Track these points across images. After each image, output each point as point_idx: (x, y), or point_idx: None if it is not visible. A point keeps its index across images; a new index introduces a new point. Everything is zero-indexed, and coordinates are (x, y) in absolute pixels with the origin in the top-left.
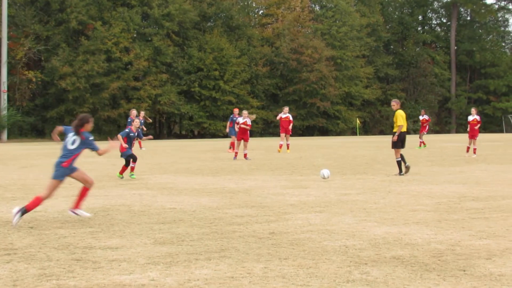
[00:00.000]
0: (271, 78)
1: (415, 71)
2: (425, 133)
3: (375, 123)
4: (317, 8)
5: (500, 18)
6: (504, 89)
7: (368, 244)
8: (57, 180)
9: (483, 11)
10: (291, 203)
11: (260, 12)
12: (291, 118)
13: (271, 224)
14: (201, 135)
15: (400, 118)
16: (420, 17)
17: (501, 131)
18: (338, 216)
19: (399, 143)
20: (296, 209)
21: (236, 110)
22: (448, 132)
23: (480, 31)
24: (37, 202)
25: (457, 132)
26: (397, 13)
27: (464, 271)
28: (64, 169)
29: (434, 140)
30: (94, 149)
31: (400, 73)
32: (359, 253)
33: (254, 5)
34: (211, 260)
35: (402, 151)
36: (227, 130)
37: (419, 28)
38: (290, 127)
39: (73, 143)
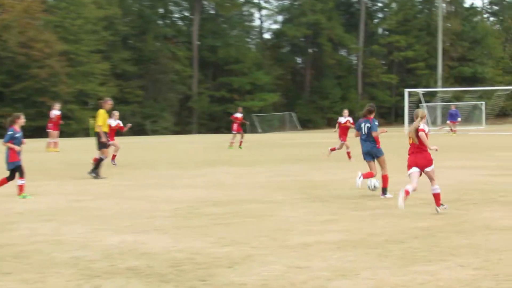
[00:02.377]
0: None
1: (155, 67)
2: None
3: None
4: None
5: (246, 12)
6: (248, 87)
7: (101, 255)
8: None
9: (228, 4)
10: (17, 211)
11: None
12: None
13: None
14: None
15: (101, 118)
16: (161, 10)
17: (244, 131)
18: (68, 225)
19: (103, 144)
20: (23, 218)
21: None
22: (189, 132)
23: (225, 25)
24: None
25: (200, 132)
26: (137, 5)
27: (204, 281)
28: None
29: (175, 141)
30: None
31: (138, 70)
32: (91, 265)
33: None
34: None
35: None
36: None
37: (160, 22)
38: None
39: None
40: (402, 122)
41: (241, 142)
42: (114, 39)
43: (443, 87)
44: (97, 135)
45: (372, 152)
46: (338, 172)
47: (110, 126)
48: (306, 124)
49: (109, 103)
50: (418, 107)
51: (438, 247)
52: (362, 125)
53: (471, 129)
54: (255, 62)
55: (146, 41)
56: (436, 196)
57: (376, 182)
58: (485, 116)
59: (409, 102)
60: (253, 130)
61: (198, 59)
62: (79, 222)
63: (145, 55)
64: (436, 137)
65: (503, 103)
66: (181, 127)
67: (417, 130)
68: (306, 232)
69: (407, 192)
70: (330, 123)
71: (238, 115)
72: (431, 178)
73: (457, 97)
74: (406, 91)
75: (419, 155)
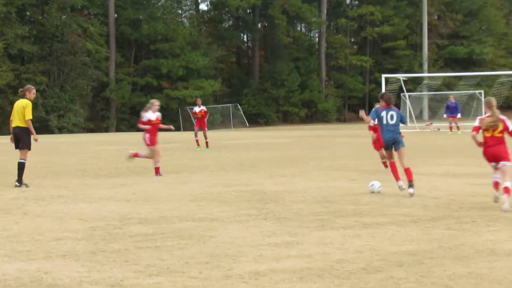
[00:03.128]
0: None
1: (61, 47)
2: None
3: (6, 119)
4: None
5: None
6: (181, 72)
7: None
8: None
9: None
10: None
11: None
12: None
13: None
14: None
15: (30, 110)
16: None
17: (177, 128)
18: None
19: (29, 143)
20: None
21: None
22: (106, 130)
23: None
24: None
25: (118, 130)
26: None
27: None
28: None
29: (87, 141)
30: None
31: (40, 50)
32: None
33: None
34: None
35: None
36: None
37: None
38: None
39: None
40: None
41: (197, 141)
42: (8, 10)
43: (429, 72)
44: (25, 131)
45: (396, 141)
46: (296, 181)
47: (150, 121)
48: (256, 119)
49: (33, 92)
50: (398, 97)
51: (428, 277)
52: (384, 113)
53: (467, 126)
54: (189, 40)
55: (48, 13)
56: (507, 189)
57: (380, 186)
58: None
59: (387, 91)
60: (187, 127)
61: (116, 37)
62: None
63: (48, 31)
64: (423, 136)
65: (507, 91)
66: (96, 123)
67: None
68: (257, 258)
69: (507, 190)
70: (286, 118)
71: (197, 109)
72: (505, 174)
73: (449, 84)
74: (383, 76)
75: (500, 148)
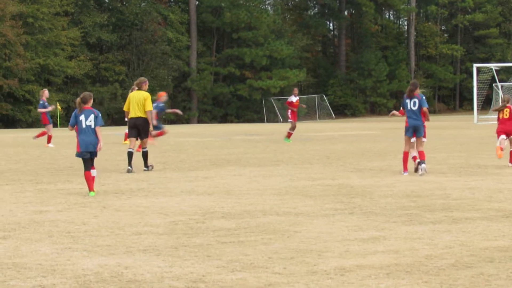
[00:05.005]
0: None
1: (140, 35)
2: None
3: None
4: None
5: None
6: (264, 62)
7: (75, 282)
8: None
9: None
10: None
11: None
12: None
13: None
14: None
15: (127, 102)
16: None
17: (261, 119)
18: (30, 244)
19: (130, 131)
20: None
21: None
22: (188, 121)
23: None
24: None
25: (200, 121)
26: None
27: None
28: None
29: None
30: None
31: (119, 39)
32: None
33: None
34: None
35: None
36: None
37: None
38: None
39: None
40: (470, 109)
41: (289, 133)
42: None
43: None
44: (146, 121)
45: (417, 128)
46: (383, 175)
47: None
48: (342, 110)
49: (147, 84)
50: (490, 88)
51: None
52: (408, 101)
53: None
54: (273, 28)
55: (127, 1)
56: None
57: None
58: None
59: (478, 81)
60: (272, 119)
61: (197, 25)
62: (44, 240)
63: (127, 19)
64: None
65: None
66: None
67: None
68: (343, 253)
69: None
70: (374, 109)
71: (293, 98)
72: None
73: None
74: (475, 66)
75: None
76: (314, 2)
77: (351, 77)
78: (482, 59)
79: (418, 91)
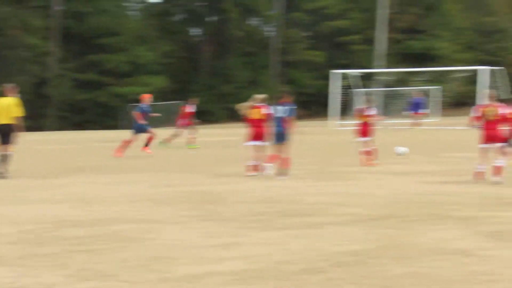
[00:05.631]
0: None
1: (2, 41)
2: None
3: None
4: None
5: None
6: (126, 68)
7: None
8: None
9: None
10: None
11: None
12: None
13: None
14: None
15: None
16: None
17: (120, 126)
18: None
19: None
20: None
21: None
22: (44, 129)
23: None
24: None
25: (59, 129)
26: None
27: None
28: None
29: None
30: None
31: None
32: None
33: None
34: None
35: None
36: None
37: None
38: None
39: None
40: (326, 115)
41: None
42: None
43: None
44: (14, 128)
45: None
46: (241, 181)
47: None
48: (204, 116)
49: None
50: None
51: (368, 278)
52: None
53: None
54: (137, 34)
55: None
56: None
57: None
58: (438, 105)
59: (339, 87)
60: (130, 126)
61: (60, 31)
62: None
63: None
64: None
65: (459, 87)
66: (34, 121)
67: None
68: (196, 260)
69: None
70: (233, 114)
71: (191, 109)
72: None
73: (403, 80)
74: (332, 72)
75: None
76: (180, 8)
77: (213, 83)
78: (343, 66)
79: (288, 99)
